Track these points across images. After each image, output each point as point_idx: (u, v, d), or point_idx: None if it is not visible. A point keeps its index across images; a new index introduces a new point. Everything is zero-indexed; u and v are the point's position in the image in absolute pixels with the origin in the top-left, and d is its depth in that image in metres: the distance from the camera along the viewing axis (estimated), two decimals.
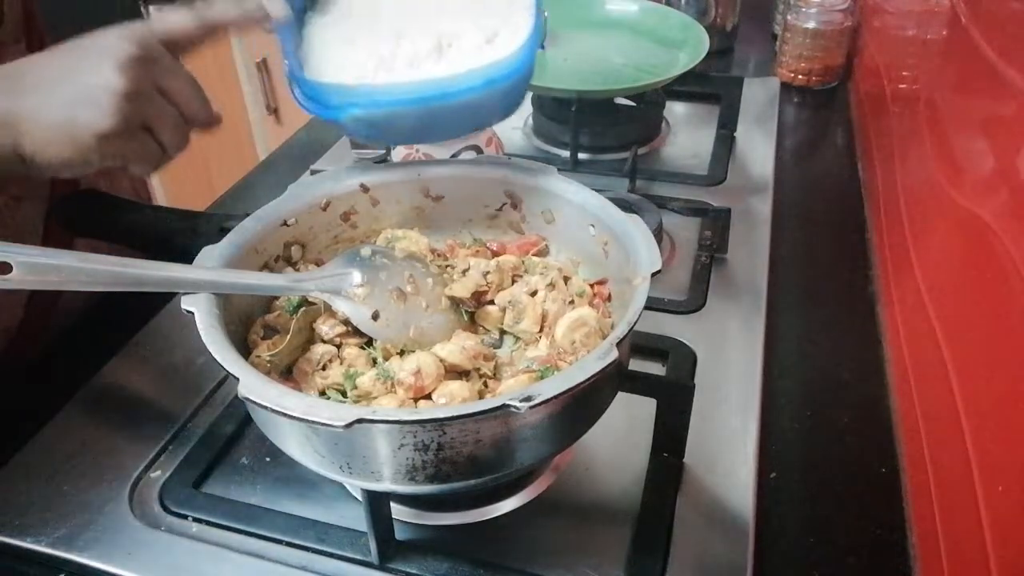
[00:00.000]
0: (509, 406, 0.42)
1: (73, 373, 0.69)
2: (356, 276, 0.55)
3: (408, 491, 0.48)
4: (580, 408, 0.51)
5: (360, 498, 0.51)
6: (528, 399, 0.42)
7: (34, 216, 0.70)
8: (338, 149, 1.05)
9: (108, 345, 0.72)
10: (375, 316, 0.55)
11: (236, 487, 0.60)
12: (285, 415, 0.41)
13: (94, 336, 0.75)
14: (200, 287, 0.50)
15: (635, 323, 0.48)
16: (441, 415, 0.44)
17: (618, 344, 0.46)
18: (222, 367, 0.45)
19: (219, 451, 0.62)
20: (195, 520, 0.57)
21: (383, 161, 0.98)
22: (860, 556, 0.56)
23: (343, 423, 0.40)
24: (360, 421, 0.41)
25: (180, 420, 0.65)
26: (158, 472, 0.61)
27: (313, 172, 0.94)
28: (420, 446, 0.45)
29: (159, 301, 0.76)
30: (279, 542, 0.55)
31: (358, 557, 0.54)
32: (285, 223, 0.60)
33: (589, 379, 0.44)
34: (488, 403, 0.43)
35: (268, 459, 0.62)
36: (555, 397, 0.43)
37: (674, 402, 0.60)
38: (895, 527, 0.58)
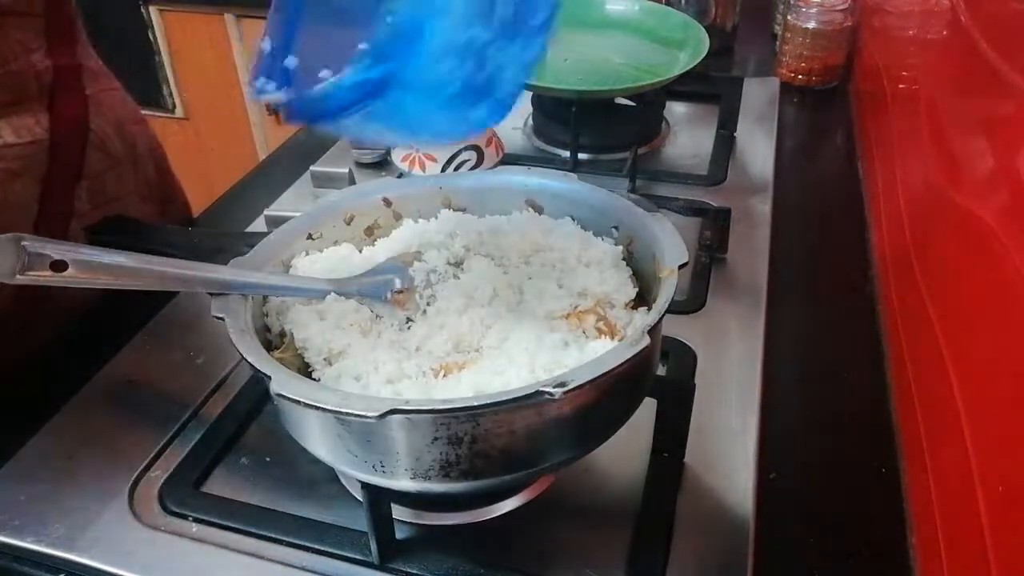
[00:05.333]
0: (543, 392, 0.42)
1: (72, 374, 0.69)
2: (397, 282, 0.57)
3: (442, 489, 0.48)
4: (613, 402, 0.50)
5: (360, 498, 0.51)
6: (562, 384, 0.42)
7: (28, 196, 0.69)
8: (338, 150, 1.04)
9: (108, 346, 0.72)
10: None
11: (236, 487, 0.60)
12: (318, 408, 0.42)
13: (94, 337, 0.75)
14: (245, 288, 0.52)
15: (664, 312, 0.48)
16: (474, 403, 0.44)
17: (650, 332, 0.46)
18: (255, 370, 0.45)
19: (219, 451, 0.62)
20: (195, 520, 0.57)
21: (381, 162, 0.98)
22: (860, 556, 0.56)
23: (376, 413, 0.41)
24: (394, 411, 0.41)
25: (180, 420, 0.65)
26: (158, 472, 0.61)
27: (313, 173, 0.93)
28: (453, 439, 0.45)
29: (159, 302, 0.76)
30: (279, 542, 0.55)
31: (358, 557, 0.54)
32: (310, 236, 0.61)
33: (622, 364, 0.44)
34: (522, 389, 0.43)
35: (268, 459, 0.62)
36: (590, 382, 0.42)
37: (674, 402, 0.60)
38: (895, 527, 0.58)
